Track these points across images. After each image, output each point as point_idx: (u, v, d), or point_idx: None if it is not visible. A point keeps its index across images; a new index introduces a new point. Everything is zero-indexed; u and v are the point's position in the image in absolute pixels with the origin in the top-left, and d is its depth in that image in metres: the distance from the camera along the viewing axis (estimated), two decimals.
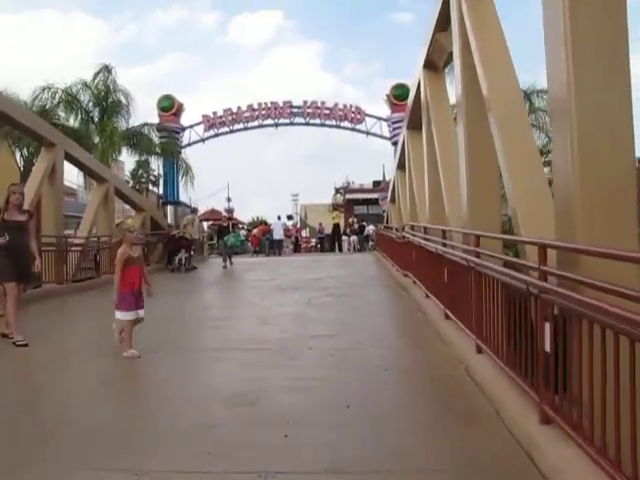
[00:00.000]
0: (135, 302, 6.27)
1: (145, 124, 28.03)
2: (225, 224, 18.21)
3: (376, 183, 45.77)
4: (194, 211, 18.06)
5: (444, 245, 7.14)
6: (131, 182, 48.67)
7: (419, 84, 10.75)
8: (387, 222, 21.26)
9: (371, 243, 33.67)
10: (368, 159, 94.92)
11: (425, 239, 9.09)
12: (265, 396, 4.77)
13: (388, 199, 20.84)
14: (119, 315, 6.29)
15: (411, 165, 12.51)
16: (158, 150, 29.04)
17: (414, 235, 10.92)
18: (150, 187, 60.23)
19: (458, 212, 7.58)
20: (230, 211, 53.38)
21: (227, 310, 10.15)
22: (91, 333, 8.15)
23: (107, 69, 25.08)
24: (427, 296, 8.86)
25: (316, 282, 14.02)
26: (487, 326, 5.12)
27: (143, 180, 46.82)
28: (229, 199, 56.63)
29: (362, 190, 45.94)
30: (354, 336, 7.18)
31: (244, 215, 58.17)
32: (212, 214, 45.78)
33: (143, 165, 39.33)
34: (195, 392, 4.99)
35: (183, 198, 36.70)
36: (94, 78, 24.71)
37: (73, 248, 15.18)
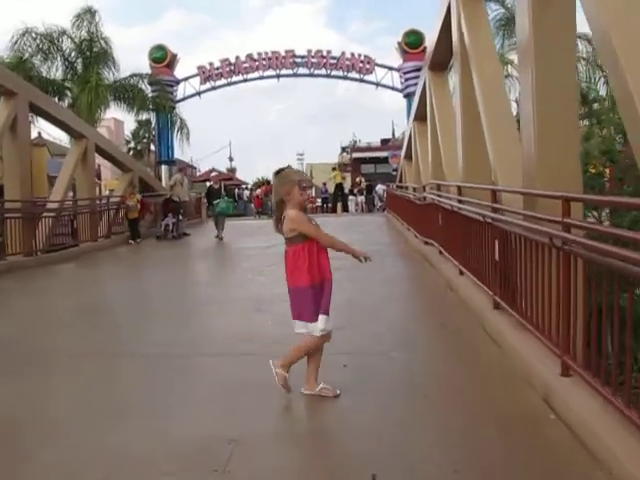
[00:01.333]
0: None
1: (134, 75, 25.97)
2: (216, 185, 15.99)
3: (384, 141, 45.30)
4: (181, 170, 15.86)
5: (494, 210, 5.42)
6: (132, 142, 47.14)
7: (449, 8, 8.84)
8: (400, 181, 19.45)
9: (379, 203, 32.76)
10: (375, 117, 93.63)
11: (460, 201, 7.39)
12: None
13: (402, 155, 18.99)
14: (323, 324, 3.91)
15: (435, 113, 10.68)
16: (150, 105, 27.02)
17: (441, 196, 9.22)
18: (152, 147, 58.84)
19: (510, 169, 5.87)
20: (232, 170, 52.03)
21: (211, 290, 8.52)
22: (58, 322, 6.60)
23: (90, 12, 22.93)
24: (462, 273, 7.24)
25: None
26: (576, 332, 3.50)
27: (145, 140, 45.23)
28: (231, 158, 55.19)
29: (370, 148, 45.13)
30: (372, 331, 5.58)
31: (250, 175, 56.70)
32: (211, 174, 44.21)
33: (145, 124, 37.59)
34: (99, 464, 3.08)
35: (181, 157, 35.07)
36: (75, 22, 22.60)
37: (45, 214, 13.61)
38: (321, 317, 3.87)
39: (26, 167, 12.75)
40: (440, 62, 11.04)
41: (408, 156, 17.35)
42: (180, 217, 15.25)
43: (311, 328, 3.89)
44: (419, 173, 13.93)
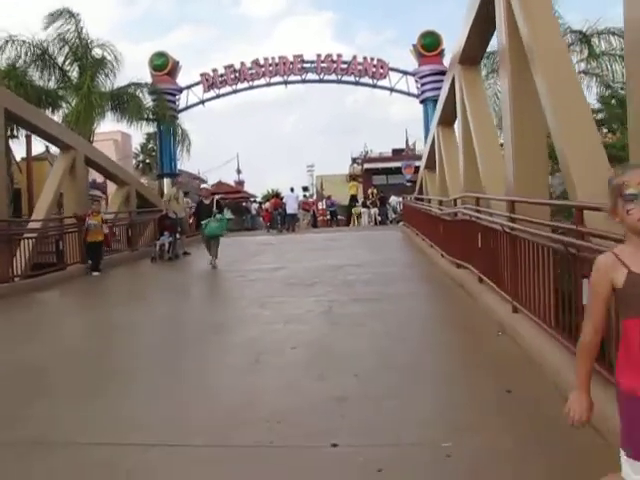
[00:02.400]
0: None
1: (132, 84, 24.83)
2: (207, 201, 12.98)
3: (396, 151, 44.56)
4: (176, 183, 14.34)
5: (580, 236, 4.02)
6: (141, 156, 46.14)
7: None
8: (420, 193, 18.07)
9: (393, 216, 31.76)
10: (385, 129, 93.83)
11: (512, 220, 5.99)
12: None
13: (422, 165, 17.62)
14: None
15: (468, 115, 9.31)
16: (149, 114, 25.86)
17: (480, 212, 7.82)
18: None
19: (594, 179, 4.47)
20: (240, 183, 50.90)
21: (198, 333, 6.78)
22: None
23: (70, 14, 21.73)
24: (516, 310, 5.85)
25: (335, 273, 11.09)
26: None
27: (154, 153, 44.26)
28: (239, 171, 54.19)
29: (381, 159, 44.18)
30: (414, 406, 4.13)
31: (259, 188, 55.69)
32: (219, 187, 43.33)
33: (153, 137, 36.57)
34: None
35: (189, 169, 33.88)
36: (48, 25, 21.46)
37: (26, 235, 12.37)
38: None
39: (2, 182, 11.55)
40: (472, 56, 9.71)
41: (430, 165, 15.98)
42: (178, 236, 13.90)
43: None
44: (445, 184, 12.55)
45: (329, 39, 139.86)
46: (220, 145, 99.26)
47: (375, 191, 33.11)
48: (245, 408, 4.13)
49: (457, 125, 10.83)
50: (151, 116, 26.27)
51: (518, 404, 4.03)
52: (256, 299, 8.61)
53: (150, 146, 42.89)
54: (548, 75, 5.64)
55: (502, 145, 8.06)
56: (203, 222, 12.48)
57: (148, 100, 26.30)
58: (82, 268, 12.70)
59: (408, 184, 37.68)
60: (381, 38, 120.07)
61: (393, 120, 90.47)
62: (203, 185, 13.99)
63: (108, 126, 28.24)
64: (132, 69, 59.69)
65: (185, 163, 30.09)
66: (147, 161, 45.42)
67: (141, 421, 3.98)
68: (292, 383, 4.63)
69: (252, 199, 44.09)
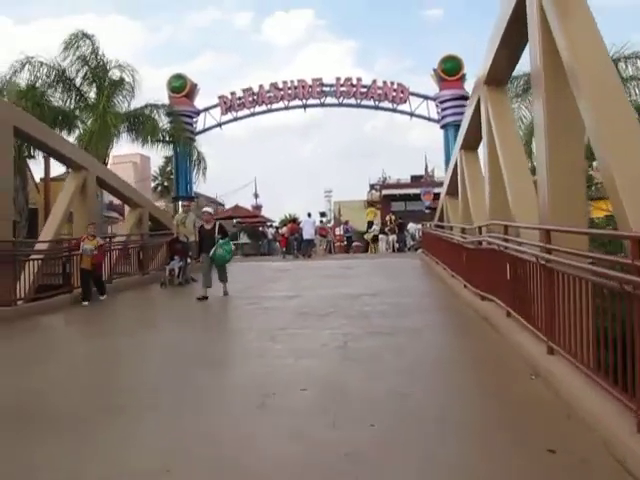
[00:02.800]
0: None
1: (148, 105, 24.82)
2: (209, 226, 11.90)
3: (415, 177, 44.58)
4: (185, 206, 13.81)
5: (637, 271, 3.47)
6: (159, 179, 46.29)
7: (518, 8, 7.08)
8: (441, 220, 17.52)
9: (412, 243, 31.20)
10: (403, 156, 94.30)
11: (547, 251, 5.43)
12: None
13: (443, 191, 17.10)
14: None
15: (495, 137, 8.81)
16: (166, 136, 25.79)
17: (508, 241, 7.27)
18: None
19: None
20: (258, 208, 50.71)
21: (203, 369, 6.19)
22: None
23: (85, 35, 21.81)
24: (551, 351, 5.28)
25: (351, 302, 10.58)
26: None
27: (172, 176, 44.38)
28: (256, 195, 54.15)
29: (400, 185, 44.37)
30: (438, 470, 3.56)
31: (277, 213, 55.59)
32: (236, 211, 43.16)
33: (171, 160, 36.55)
34: None
35: (206, 192, 33.68)
36: (67, 47, 21.50)
37: (33, 256, 12.02)
38: None
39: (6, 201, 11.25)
40: (499, 77, 9.26)
41: (451, 191, 15.44)
42: (188, 260, 13.46)
43: None
44: (468, 211, 12.01)
45: (349, 66, 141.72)
46: (239, 170, 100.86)
47: (393, 217, 32.65)
48: (240, 464, 3.59)
49: (482, 149, 10.32)
50: (167, 138, 26.25)
51: (566, 469, 3.46)
52: (267, 330, 8.09)
53: (168, 169, 43.08)
54: (594, 96, 5.16)
55: (533, 169, 7.54)
56: (211, 251, 11.56)
57: (165, 122, 26.33)
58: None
59: (427, 211, 37.33)
60: (400, 66, 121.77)
61: (412, 146, 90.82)
62: (205, 209, 12.93)
63: (126, 149, 28.36)
64: (152, 93, 60.53)
65: (203, 186, 30.02)
66: (165, 184, 45.59)
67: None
68: (299, 433, 4.09)
69: (269, 224, 43.86)
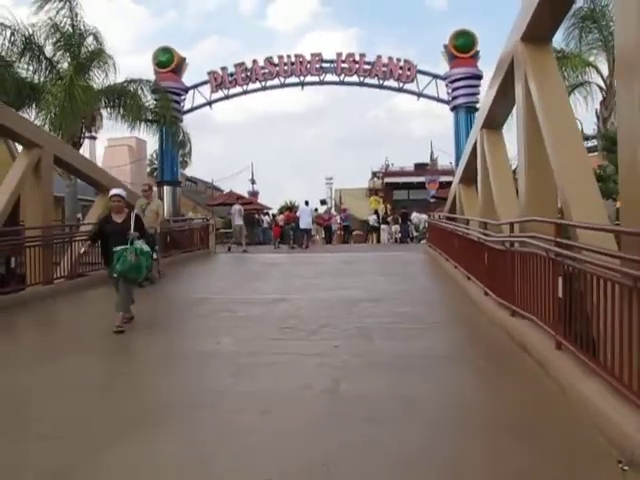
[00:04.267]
0: None
1: (130, 80, 22.83)
2: (119, 218, 7.91)
3: (418, 165, 43.56)
4: (145, 191, 11.70)
5: None
6: (156, 162, 44.31)
7: None
8: (453, 211, 15.68)
9: (415, 234, 30.36)
10: (405, 145, 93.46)
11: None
12: None
13: (456, 178, 15.23)
14: None
15: (539, 110, 6.87)
16: (149, 115, 23.81)
17: (561, 246, 5.43)
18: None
19: None
20: (254, 194, 48.90)
21: (124, 428, 4.23)
22: None
23: None
24: None
25: (348, 312, 8.93)
26: None
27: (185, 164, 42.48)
28: (253, 181, 52.43)
29: (403, 173, 43.55)
30: None
31: (278, 200, 54.29)
32: (229, 197, 41.43)
33: None
34: None
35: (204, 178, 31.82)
36: (39, 9, 19.41)
37: None
38: None
39: None
40: (541, 35, 7.34)
41: (467, 179, 13.60)
42: (155, 255, 11.47)
43: None
44: (491, 203, 10.13)
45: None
46: (240, 156, 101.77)
47: (389, 205, 31.28)
48: None
49: (516, 124, 8.41)
50: (152, 117, 24.32)
51: None
52: (233, 357, 6.30)
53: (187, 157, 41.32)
54: None
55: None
56: (114, 250, 7.63)
57: (150, 100, 24.40)
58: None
59: (432, 200, 35.99)
60: (405, 54, 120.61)
61: (414, 137, 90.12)
62: (114, 190, 7.85)
63: (121, 132, 26.37)
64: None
65: (201, 172, 28.11)
66: None
67: None
68: None
69: (265, 211, 42.11)
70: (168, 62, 27.42)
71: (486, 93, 11.21)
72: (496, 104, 9.78)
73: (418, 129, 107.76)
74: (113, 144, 40.75)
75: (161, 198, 28.02)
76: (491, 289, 8.47)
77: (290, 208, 32.97)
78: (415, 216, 30.83)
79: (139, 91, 23.22)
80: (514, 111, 9.09)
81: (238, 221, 21.78)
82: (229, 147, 68.60)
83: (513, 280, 7.18)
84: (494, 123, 10.52)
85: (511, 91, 8.36)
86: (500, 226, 8.76)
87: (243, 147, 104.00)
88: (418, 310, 9.08)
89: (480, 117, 11.19)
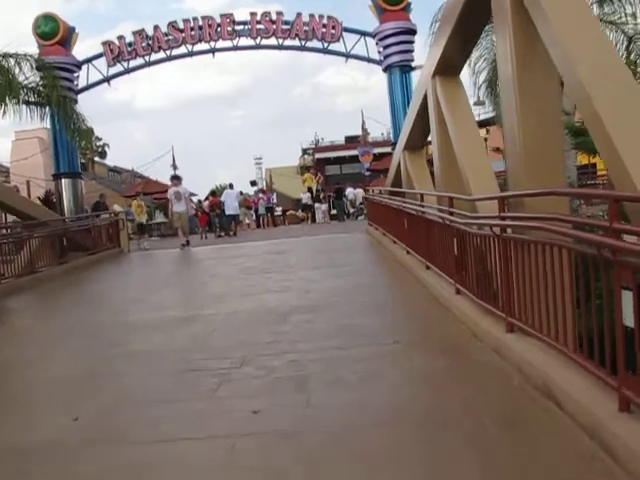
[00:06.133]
0: None
1: (6, 54, 19.53)
2: None
3: (349, 139, 42.78)
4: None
5: None
6: None
7: None
8: (396, 184, 13.53)
9: (352, 210, 29.73)
10: (334, 120, 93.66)
11: None
12: None
13: (400, 144, 13.00)
14: None
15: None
16: (30, 95, 20.59)
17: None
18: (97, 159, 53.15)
19: None
20: (177, 178, 46.13)
21: None
22: None
23: None
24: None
25: (277, 333, 7.03)
26: None
27: (87, 152, 38.95)
28: (175, 166, 49.61)
29: (334, 147, 43.80)
30: None
31: (209, 185, 52.86)
32: (147, 186, 38.97)
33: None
34: None
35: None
36: None
37: None
38: None
39: None
40: None
41: (413, 143, 11.42)
42: None
43: None
44: (455, 173, 7.86)
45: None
46: (167, 144, 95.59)
47: (320, 179, 30.07)
48: None
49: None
50: (35, 98, 21.11)
51: None
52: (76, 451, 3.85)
53: (84, 143, 37.77)
54: None
55: None
56: None
57: (32, 78, 21.19)
58: None
59: (367, 173, 34.50)
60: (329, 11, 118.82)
61: (341, 111, 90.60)
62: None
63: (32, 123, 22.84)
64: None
65: (125, 161, 25.12)
66: (82, 161, 40.20)
67: None
68: None
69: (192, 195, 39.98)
70: (53, 33, 23.88)
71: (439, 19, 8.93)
72: (449, 45, 7.48)
73: (345, 103, 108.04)
74: (21, 137, 37.15)
75: (59, 193, 24.83)
76: (466, 288, 6.31)
77: (213, 193, 30.67)
78: (350, 191, 29.74)
79: (16, 68, 20.05)
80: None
81: (178, 207, 17.94)
82: (155, 135, 66.03)
83: (500, 276, 5.03)
84: (450, 66, 8.23)
85: None
86: (474, 202, 6.59)
87: (170, 134, 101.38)
88: (372, 322, 6.95)
89: (432, 57, 8.87)
